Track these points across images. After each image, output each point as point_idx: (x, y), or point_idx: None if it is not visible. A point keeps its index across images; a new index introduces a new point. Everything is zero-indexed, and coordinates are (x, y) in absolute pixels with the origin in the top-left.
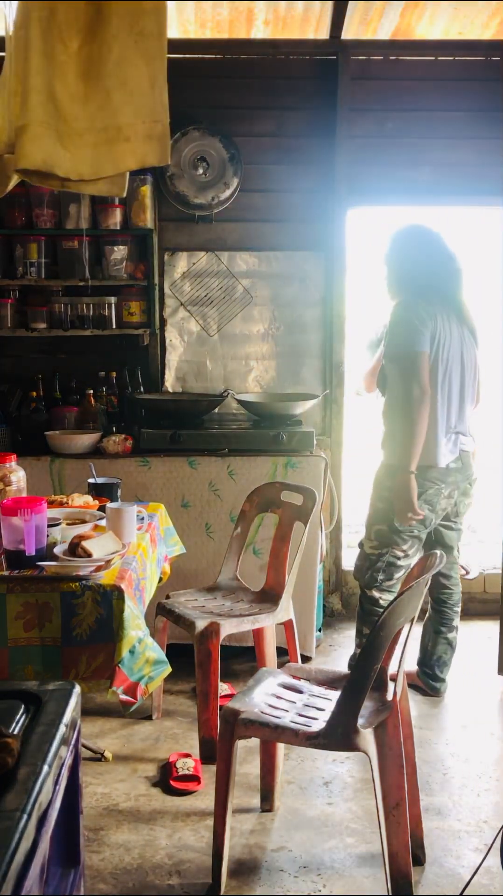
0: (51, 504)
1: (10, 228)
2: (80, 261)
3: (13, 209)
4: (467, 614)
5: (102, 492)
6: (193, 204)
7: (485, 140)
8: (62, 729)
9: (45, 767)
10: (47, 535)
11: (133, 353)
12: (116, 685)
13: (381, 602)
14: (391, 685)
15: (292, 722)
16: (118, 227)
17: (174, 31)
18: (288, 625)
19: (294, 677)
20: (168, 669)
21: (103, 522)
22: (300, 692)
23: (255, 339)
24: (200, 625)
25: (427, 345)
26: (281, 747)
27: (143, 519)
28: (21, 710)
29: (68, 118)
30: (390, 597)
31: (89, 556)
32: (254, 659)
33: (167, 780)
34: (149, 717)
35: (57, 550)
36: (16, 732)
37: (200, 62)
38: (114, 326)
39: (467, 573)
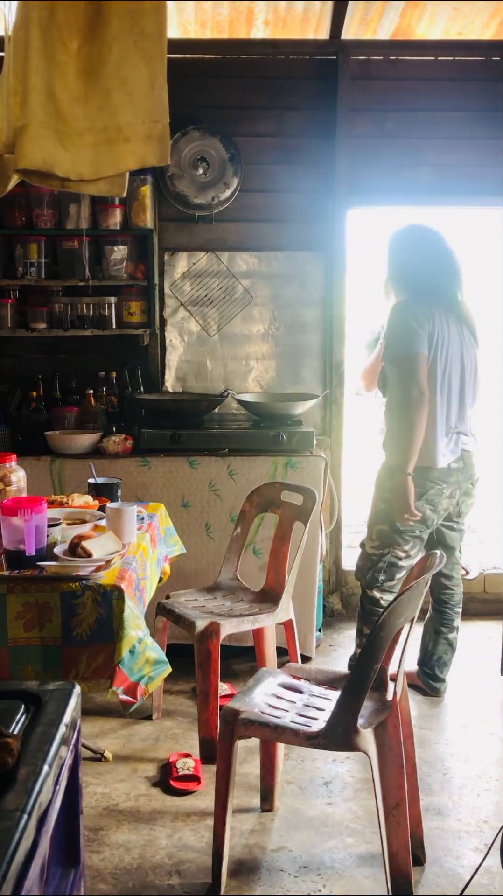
0: (51, 504)
1: (10, 228)
2: (80, 261)
3: (13, 209)
4: (467, 614)
5: (102, 492)
6: (193, 204)
7: (485, 140)
8: (62, 729)
9: (45, 767)
10: (47, 535)
11: (133, 353)
12: (116, 685)
13: (382, 602)
14: (391, 685)
15: (292, 722)
16: (118, 227)
17: (174, 31)
18: (288, 625)
19: (294, 677)
20: (168, 669)
21: (103, 522)
22: (300, 692)
23: (255, 339)
24: (200, 625)
25: (425, 346)
26: (281, 747)
27: (143, 519)
28: (21, 710)
29: (68, 118)
30: (391, 597)
31: (89, 556)
32: (255, 659)
33: (167, 780)
34: (149, 717)
35: (57, 550)
36: (16, 732)
37: (200, 62)
38: (114, 326)
39: (467, 573)
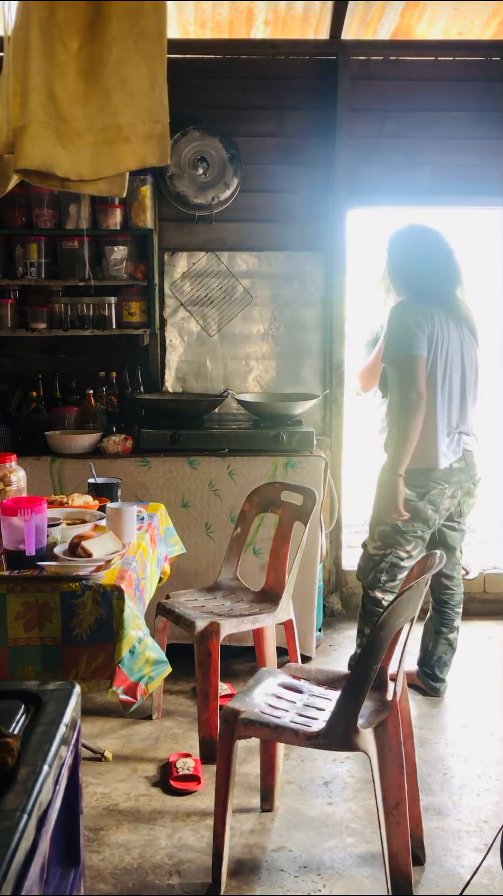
0: (51, 504)
1: (10, 228)
2: (80, 261)
3: (13, 209)
4: (467, 614)
5: (102, 492)
6: (193, 204)
7: (485, 140)
8: (62, 729)
9: (45, 767)
10: (47, 535)
11: (133, 353)
12: (116, 685)
13: (384, 603)
14: (391, 685)
15: (292, 722)
16: (118, 227)
17: (174, 31)
18: (288, 625)
19: (294, 677)
20: (168, 669)
21: (103, 522)
22: (300, 692)
23: (255, 339)
24: (200, 625)
25: (424, 348)
26: (281, 747)
27: (143, 519)
28: (21, 710)
29: (68, 118)
30: (393, 597)
31: (89, 556)
32: (255, 659)
33: (167, 780)
34: (149, 717)
35: (57, 550)
36: (16, 732)
37: (200, 62)
38: (114, 326)
39: (467, 573)
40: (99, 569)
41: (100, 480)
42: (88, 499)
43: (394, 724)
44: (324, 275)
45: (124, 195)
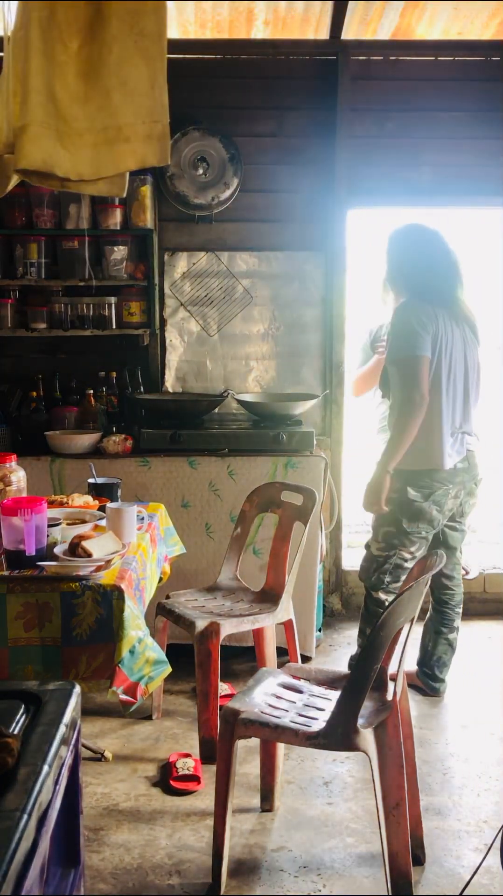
0: (51, 504)
1: (10, 228)
2: (80, 261)
3: (13, 209)
4: (467, 614)
5: (102, 492)
6: (193, 204)
7: (485, 140)
8: (62, 729)
9: (45, 767)
10: (47, 535)
11: (133, 353)
12: (116, 685)
13: (387, 604)
14: (391, 685)
15: (292, 722)
16: (118, 227)
17: (174, 31)
18: (288, 625)
19: (294, 677)
20: (168, 669)
21: (103, 522)
22: (300, 692)
23: (255, 339)
24: (200, 625)
25: (428, 349)
26: (281, 747)
27: (143, 519)
28: (21, 710)
29: (68, 118)
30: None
31: (89, 556)
32: (255, 659)
33: (167, 780)
34: (149, 717)
35: (57, 550)
36: (16, 732)
37: (200, 62)
38: (114, 326)
39: (467, 573)
40: (99, 569)
41: (100, 480)
42: (88, 499)
43: (394, 724)
44: (324, 275)
45: (124, 195)
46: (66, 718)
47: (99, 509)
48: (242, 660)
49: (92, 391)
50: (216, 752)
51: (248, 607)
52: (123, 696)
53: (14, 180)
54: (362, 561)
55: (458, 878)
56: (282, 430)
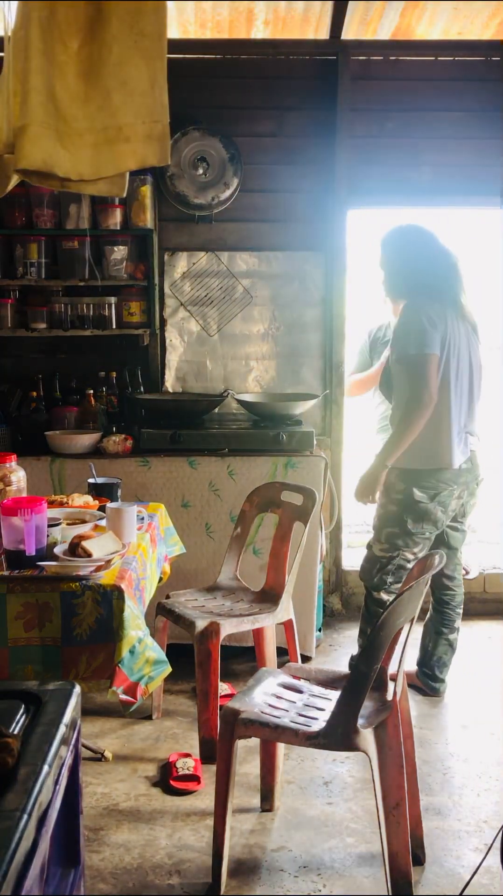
0: (51, 504)
1: (10, 228)
2: (80, 261)
3: (13, 209)
4: (467, 614)
5: (102, 492)
6: (193, 204)
7: (485, 140)
8: (62, 729)
9: (45, 767)
10: (47, 535)
11: (133, 353)
12: (116, 685)
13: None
14: (391, 685)
15: (292, 722)
16: (118, 227)
17: (174, 31)
18: (288, 625)
19: (294, 677)
20: (168, 669)
21: (103, 522)
22: (300, 692)
23: (255, 339)
24: (200, 625)
25: (437, 347)
26: (281, 747)
27: (143, 519)
28: (21, 710)
29: (68, 118)
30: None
31: (89, 556)
32: (255, 659)
33: (167, 780)
34: (149, 717)
35: (57, 550)
36: (16, 732)
37: (200, 62)
38: (114, 326)
39: (467, 573)
40: (99, 569)
41: (100, 480)
42: (88, 499)
43: (394, 724)
44: (324, 275)
45: (124, 195)
46: (66, 718)
47: (99, 509)
48: (242, 660)
49: (92, 391)
50: (216, 752)
51: (248, 607)
52: (123, 696)
53: (14, 180)
54: (363, 561)
55: (458, 878)
56: (282, 430)
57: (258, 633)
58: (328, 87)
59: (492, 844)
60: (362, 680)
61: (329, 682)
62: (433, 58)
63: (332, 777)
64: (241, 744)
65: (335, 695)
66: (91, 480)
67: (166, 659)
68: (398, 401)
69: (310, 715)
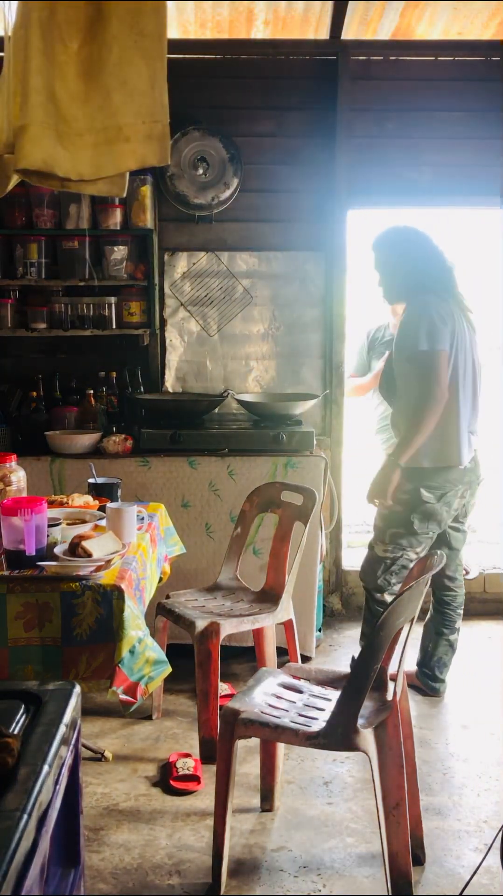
0: (51, 504)
1: (10, 228)
2: (80, 261)
3: (13, 209)
4: (467, 614)
5: (102, 492)
6: (193, 204)
7: (485, 140)
8: (62, 729)
9: (45, 767)
10: (47, 535)
11: (133, 353)
12: (116, 685)
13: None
14: (391, 685)
15: (292, 722)
16: (118, 227)
17: (174, 31)
18: (288, 625)
19: (294, 677)
20: (168, 669)
21: (103, 522)
22: (300, 692)
23: (255, 339)
24: (200, 625)
25: (447, 343)
26: (281, 747)
27: (143, 519)
28: (21, 710)
29: (68, 118)
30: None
31: (89, 556)
32: (255, 659)
33: (167, 780)
34: (149, 717)
35: (57, 550)
36: (16, 732)
37: (200, 62)
38: (114, 326)
39: (467, 573)
40: (99, 569)
41: (100, 480)
42: (88, 499)
43: (394, 724)
44: (324, 275)
45: (124, 195)
46: (66, 718)
47: (99, 509)
48: (242, 660)
49: (92, 391)
50: (216, 752)
51: (248, 607)
52: (123, 696)
53: (14, 180)
54: (364, 563)
55: (458, 878)
56: (282, 430)
57: (258, 633)
58: (328, 87)
59: (492, 844)
60: (362, 680)
61: (329, 682)
62: (433, 58)
63: (332, 777)
64: (241, 744)
65: (335, 695)
66: (91, 480)
67: (166, 659)
68: (406, 400)
69: (310, 715)
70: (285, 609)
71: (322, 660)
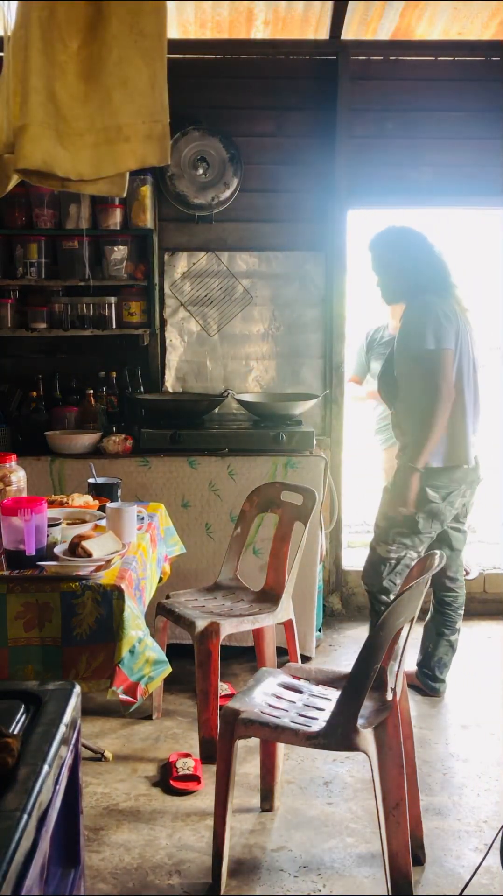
0: (51, 504)
1: (10, 228)
2: (80, 261)
3: (13, 209)
4: (467, 614)
5: (102, 492)
6: (193, 204)
7: (485, 140)
8: (62, 729)
9: (45, 767)
10: (47, 535)
11: (133, 353)
12: (116, 685)
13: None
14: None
15: (292, 722)
16: (118, 227)
17: (174, 31)
18: (288, 625)
19: (294, 677)
20: (168, 669)
21: (103, 522)
22: (300, 692)
23: (255, 339)
24: (200, 625)
25: (453, 342)
26: (281, 747)
27: (143, 519)
28: (21, 710)
29: (68, 118)
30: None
31: (89, 556)
32: (255, 659)
33: (167, 780)
34: (149, 717)
35: (57, 550)
36: (16, 732)
37: (200, 62)
38: (114, 326)
39: (467, 574)
40: (99, 569)
41: (100, 480)
42: (88, 499)
43: (394, 724)
44: (324, 275)
45: (124, 195)
46: (66, 718)
47: (99, 509)
48: (242, 660)
49: (92, 391)
50: (216, 752)
51: (248, 607)
52: (123, 696)
53: (14, 180)
54: (367, 565)
55: (458, 878)
56: (282, 430)
57: (258, 633)
58: (328, 87)
59: (492, 844)
60: (362, 680)
61: (329, 682)
62: (433, 58)
63: (332, 777)
64: (241, 744)
65: (335, 695)
66: (91, 480)
67: (166, 659)
68: (409, 400)
69: (310, 715)
70: (285, 609)
71: (322, 660)
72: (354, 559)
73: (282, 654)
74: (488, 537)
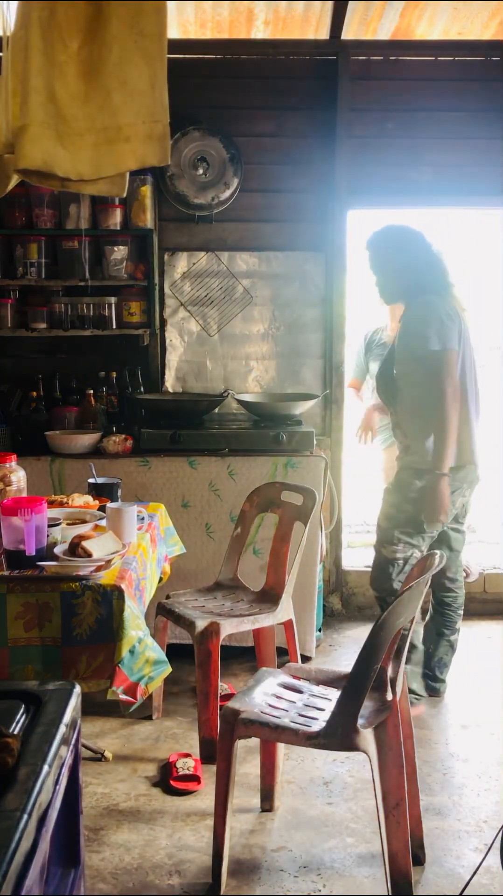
0: (51, 504)
1: (10, 228)
2: (80, 261)
3: (13, 209)
4: (467, 614)
5: (102, 492)
6: (193, 204)
7: (485, 140)
8: (62, 729)
9: (45, 767)
10: (47, 535)
11: (133, 353)
12: (116, 685)
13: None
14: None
15: (292, 722)
16: (118, 227)
17: (174, 31)
18: (288, 625)
19: (294, 677)
20: (168, 669)
21: (103, 522)
22: (300, 692)
23: (255, 339)
24: (200, 625)
25: (456, 342)
26: (281, 747)
27: (143, 519)
28: (21, 710)
29: (68, 118)
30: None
31: (89, 556)
32: (255, 659)
33: (167, 780)
34: (149, 717)
35: (57, 550)
36: (16, 732)
37: (200, 62)
38: (114, 326)
39: (468, 575)
40: (99, 569)
41: (100, 480)
42: (88, 499)
43: (394, 724)
44: (324, 275)
45: (124, 195)
46: (66, 718)
47: (99, 509)
48: (242, 660)
49: (92, 391)
50: (216, 752)
51: (248, 607)
52: (123, 696)
53: (14, 180)
54: (375, 569)
55: (458, 878)
56: (282, 430)
57: (258, 633)
58: (328, 88)
59: (492, 844)
60: (362, 680)
61: (329, 682)
62: (433, 58)
63: (332, 777)
64: (241, 744)
65: (335, 695)
66: (91, 480)
67: (166, 659)
68: (410, 401)
69: (310, 715)
70: (285, 609)
71: (322, 660)
72: (354, 559)
73: (283, 654)
74: (488, 537)
